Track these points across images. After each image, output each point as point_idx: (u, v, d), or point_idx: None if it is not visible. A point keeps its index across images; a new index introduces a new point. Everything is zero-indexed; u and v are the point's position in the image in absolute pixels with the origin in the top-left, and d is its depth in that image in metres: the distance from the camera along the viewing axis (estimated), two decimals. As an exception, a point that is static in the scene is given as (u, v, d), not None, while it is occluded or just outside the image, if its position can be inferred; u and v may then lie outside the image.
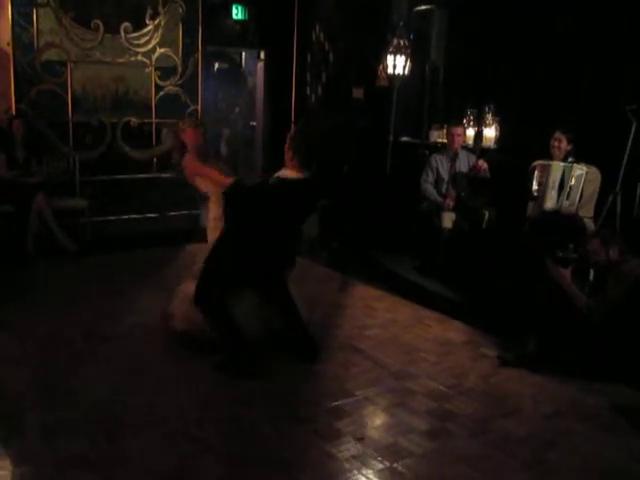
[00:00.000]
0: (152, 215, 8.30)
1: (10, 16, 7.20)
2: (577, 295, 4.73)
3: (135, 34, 7.97)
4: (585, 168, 5.91)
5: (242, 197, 4.45)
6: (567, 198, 5.89)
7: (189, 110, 8.36)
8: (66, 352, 4.67)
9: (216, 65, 10.64)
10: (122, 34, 7.88)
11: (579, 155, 6.00)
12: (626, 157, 6.12)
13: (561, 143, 5.96)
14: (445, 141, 7.04)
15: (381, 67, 7.68)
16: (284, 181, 4.34)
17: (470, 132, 7.07)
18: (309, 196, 4.58)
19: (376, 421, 4.00)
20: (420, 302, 6.06)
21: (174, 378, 4.37)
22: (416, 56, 7.48)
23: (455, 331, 5.49)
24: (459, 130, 6.74)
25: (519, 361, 4.77)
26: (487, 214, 6.39)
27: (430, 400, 4.19)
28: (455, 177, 6.63)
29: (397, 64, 7.40)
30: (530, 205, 6.06)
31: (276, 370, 4.51)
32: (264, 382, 4.34)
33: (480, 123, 7.01)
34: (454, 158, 6.72)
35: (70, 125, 7.75)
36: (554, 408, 4.20)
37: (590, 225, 5.85)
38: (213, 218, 5.04)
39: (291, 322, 4.76)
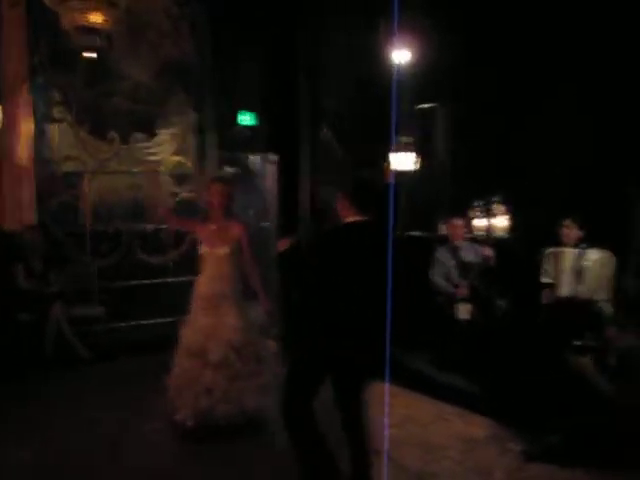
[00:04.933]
0: (168, 320, 8.29)
1: (31, 133, 7.48)
2: (600, 384, 4.61)
3: (149, 143, 8.23)
4: (598, 253, 5.90)
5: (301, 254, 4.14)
6: (582, 284, 5.86)
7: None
8: (84, 464, 4.59)
9: (229, 170, 10.88)
10: (137, 144, 8.13)
11: (591, 241, 6.00)
12: (636, 240, 6.14)
13: (571, 230, 5.99)
14: (454, 233, 7.10)
15: (387, 164, 7.83)
16: (342, 224, 4.11)
17: (481, 223, 7.12)
18: (372, 240, 4.09)
19: (399, 525, 3.85)
20: (439, 397, 5.92)
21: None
22: (422, 152, 7.63)
23: (478, 426, 5.33)
24: (458, 222, 6.86)
25: (546, 455, 4.61)
26: (502, 304, 6.37)
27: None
28: (463, 268, 6.65)
29: (403, 161, 7.54)
30: (545, 293, 6.03)
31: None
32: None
33: (490, 214, 7.07)
34: (457, 249, 6.77)
35: (87, 234, 7.91)
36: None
37: (608, 309, 5.77)
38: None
39: (354, 451, 4.11)
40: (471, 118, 7.80)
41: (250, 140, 9.28)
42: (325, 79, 8.92)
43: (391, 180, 7.85)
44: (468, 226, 7.03)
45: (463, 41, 7.57)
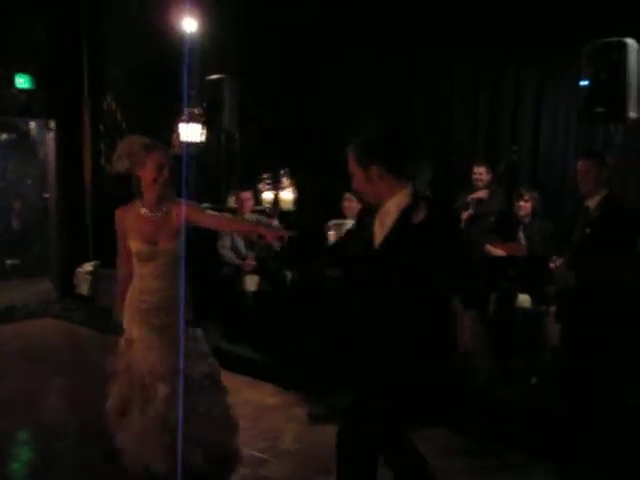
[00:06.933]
0: None
1: None
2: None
3: None
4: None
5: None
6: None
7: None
8: None
9: (3, 136, 10.14)
10: None
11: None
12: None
13: (352, 202, 6.32)
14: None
15: (175, 135, 7.72)
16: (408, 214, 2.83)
17: (268, 196, 7.25)
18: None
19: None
20: (231, 369, 5.94)
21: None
22: (211, 123, 7.59)
23: (268, 394, 5.48)
24: (247, 195, 6.91)
25: (331, 416, 4.85)
26: (289, 274, 6.56)
27: (243, 467, 4.11)
28: (250, 240, 6.75)
29: (191, 132, 7.46)
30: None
31: None
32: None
33: (277, 187, 7.23)
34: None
35: None
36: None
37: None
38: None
39: None
40: (258, 90, 7.91)
41: (27, 104, 8.66)
42: (111, 46, 8.58)
43: (180, 151, 7.75)
44: (256, 198, 7.12)
45: (248, 14, 7.64)
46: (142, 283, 3.76)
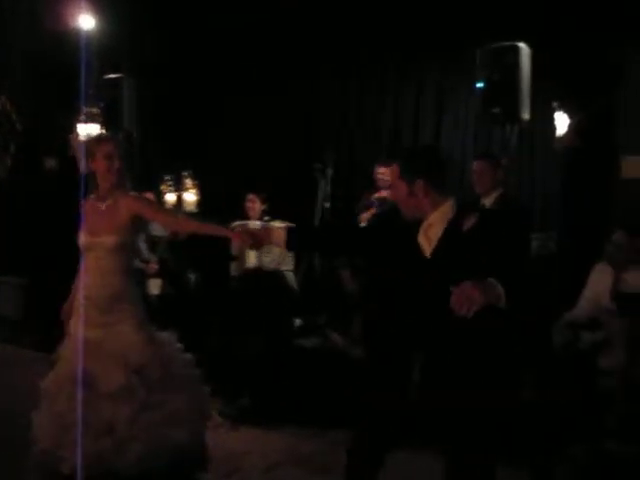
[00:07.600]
0: None
1: None
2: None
3: None
4: (281, 225, 6.26)
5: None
6: (267, 255, 6.17)
7: None
8: None
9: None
10: None
11: (275, 213, 6.37)
12: (317, 211, 6.69)
13: (255, 203, 6.32)
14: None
15: (74, 136, 7.50)
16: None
17: (170, 197, 7.14)
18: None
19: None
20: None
21: None
22: (109, 123, 7.42)
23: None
24: (149, 196, 6.74)
25: (236, 418, 4.82)
26: (193, 277, 6.49)
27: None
28: (152, 242, 6.65)
29: (89, 132, 7.26)
30: (233, 265, 6.27)
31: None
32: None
33: (179, 188, 7.13)
34: (146, 224, 6.72)
35: None
36: (273, 460, 4.25)
37: (291, 277, 6.19)
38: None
39: None
40: (158, 90, 7.80)
41: None
42: (4, 44, 8.26)
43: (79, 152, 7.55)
44: (158, 200, 6.99)
45: (145, 12, 7.53)
46: (85, 277, 3.62)
